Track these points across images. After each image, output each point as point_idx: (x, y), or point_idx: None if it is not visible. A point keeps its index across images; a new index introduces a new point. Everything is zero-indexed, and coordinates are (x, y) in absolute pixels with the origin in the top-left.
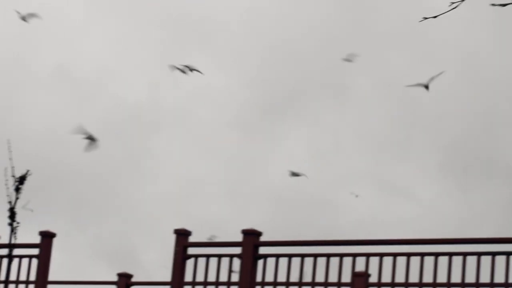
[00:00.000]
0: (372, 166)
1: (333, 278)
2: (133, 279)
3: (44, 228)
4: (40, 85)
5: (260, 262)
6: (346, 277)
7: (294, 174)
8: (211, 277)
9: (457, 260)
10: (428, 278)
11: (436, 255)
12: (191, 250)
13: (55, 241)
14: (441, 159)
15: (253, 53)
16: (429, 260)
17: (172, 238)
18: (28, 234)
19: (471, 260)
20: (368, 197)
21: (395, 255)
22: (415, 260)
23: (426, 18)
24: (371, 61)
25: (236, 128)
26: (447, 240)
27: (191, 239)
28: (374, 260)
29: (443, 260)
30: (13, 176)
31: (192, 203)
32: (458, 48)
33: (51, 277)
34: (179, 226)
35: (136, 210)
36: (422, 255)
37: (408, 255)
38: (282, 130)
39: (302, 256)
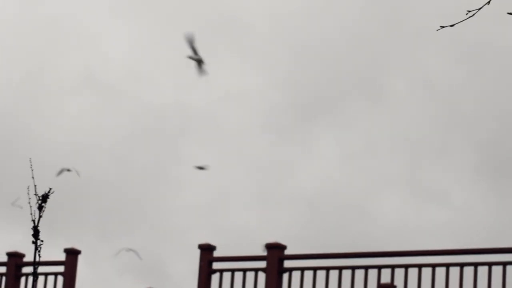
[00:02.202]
0: (405, 170)
1: None
2: None
3: (69, 243)
4: (65, 91)
5: (285, 276)
6: None
7: (200, 168)
8: None
9: (482, 270)
10: None
11: (462, 265)
12: (216, 265)
13: (81, 256)
14: (477, 162)
15: (284, 54)
16: (454, 271)
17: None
18: (54, 251)
19: (497, 270)
20: (401, 202)
21: (420, 266)
22: (440, 271)
23: (443, 27)
24: (405, 61)
25: (267, 131)
26: (472, 250)
27: (216, 253)
28: (400, 272)
29: (469, 271)
30: (36, 194)
31: (221, 212)
32: (494, 47)
33: None
34: (207, 237)
35: (164, 221)
36: (448, 265)
37: (433, 266)
38: (314, 133)
39: (327, 269)
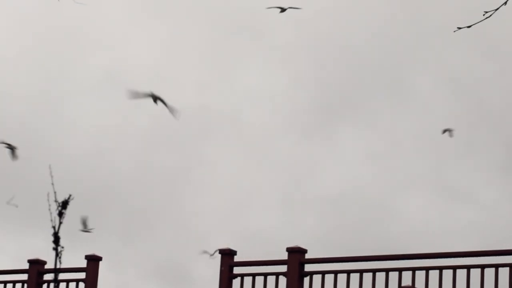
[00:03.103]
0: (431, 169)
1: None
2: None
3: (91, 250)
4: (86, 94)
5: (306, 280)
6: None
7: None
8: None
9: (503, 272)
10: None
11: (483, 267)
12: (236, 270)
13: (102, 262)
14: (505, 159)
15: (307, 54)
16: (475, 273)
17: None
18: (76, 256)
19: None
20: (427, 202)
21: (441, 268)
22: (461, 273)
23: (460, 28)
24: (429, 59)
25: (291, 132)
26: (494, 252)
27: (237, 258)
28: (421, 274)
29: (490, 272)
30: (56, 201)
31: (243, 216)
32: None
33: None
34: (230, 240)
35: (186, 225)
36: (469, 267)
37: (454, 268)
38: (338, 133)
39: (348, 272)
